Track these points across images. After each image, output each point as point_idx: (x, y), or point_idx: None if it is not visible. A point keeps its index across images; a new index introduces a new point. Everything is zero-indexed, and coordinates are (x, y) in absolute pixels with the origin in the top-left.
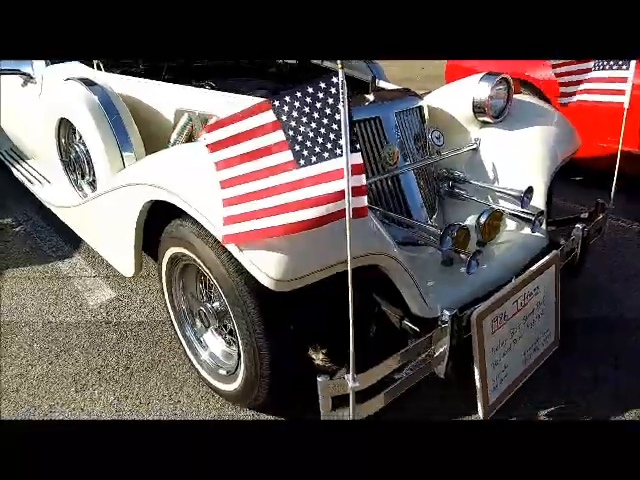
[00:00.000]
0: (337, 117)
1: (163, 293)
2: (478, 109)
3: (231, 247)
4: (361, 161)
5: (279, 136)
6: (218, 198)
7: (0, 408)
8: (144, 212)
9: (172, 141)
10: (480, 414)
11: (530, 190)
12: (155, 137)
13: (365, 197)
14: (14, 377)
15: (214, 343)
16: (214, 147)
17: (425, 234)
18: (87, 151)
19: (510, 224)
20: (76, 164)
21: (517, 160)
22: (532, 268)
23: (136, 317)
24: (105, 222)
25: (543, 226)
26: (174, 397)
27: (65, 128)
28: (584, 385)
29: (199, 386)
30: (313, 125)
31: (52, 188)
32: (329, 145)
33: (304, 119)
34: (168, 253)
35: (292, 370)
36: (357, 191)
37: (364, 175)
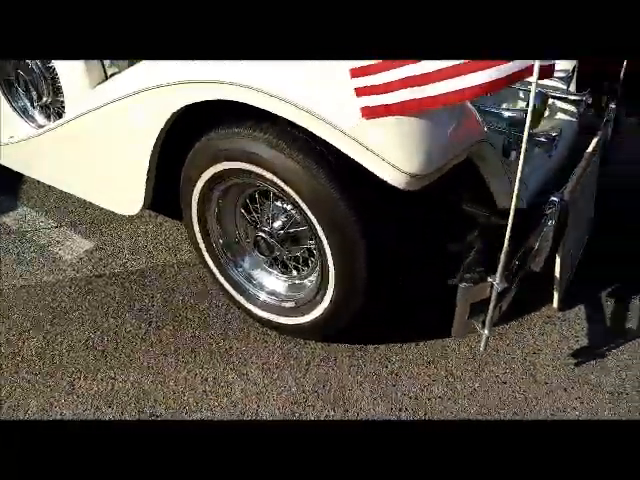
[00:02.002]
0: None
1: (191, 228)
2: None
3: (346, 143)
4: None
5: None
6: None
7: (3, 406)
8: (169, 123)
9: None
10: (555, 305)
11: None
12: None
13: None
14: (8, 357)
15: (271, 278)
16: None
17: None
18: (44, 64)
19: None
20: (23, 85)
21: None
22: (588, 150)
23: (134, 265)
24: (94, 149)
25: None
26: (223, 344)
27: None
28: None
29: (247, 326)
30: None
31: None
32: None
33: None
34: (205, 175)
35: (389, 284)
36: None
37: None
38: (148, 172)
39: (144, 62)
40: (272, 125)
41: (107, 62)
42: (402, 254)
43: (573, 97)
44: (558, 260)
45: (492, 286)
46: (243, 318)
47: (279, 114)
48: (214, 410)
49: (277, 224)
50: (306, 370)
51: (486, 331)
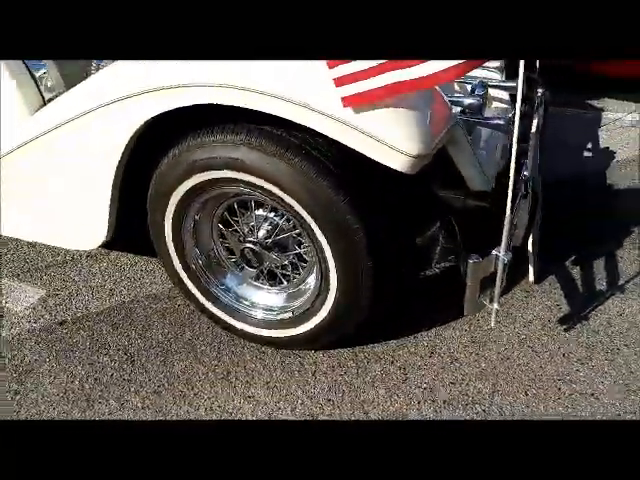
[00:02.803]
0: None
1: (166, 253)
2: None
3: (343, 132)
4: None
5: None
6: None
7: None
8: (133, 139)
9: None
10: (532, 278)
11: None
12: None
13: None
14: None
15: (263, 293)
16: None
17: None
18: None
19: None
20: None
21: None
22: (532, 131)
23: (97, 306)
24: (43, 180)
25: None
26: (220, 371)
27: None
28: None
29: (240, 348)
30: None
31: None
32: None
33: None
34: (181, 188)
35: (393, 280)
36: None
37: None
38: (111, 197)
39: (94, 77)
40: (250, 128)
41: (42, 87)
42: (401, 246)
43: (507, 84)
44: (531, 235)
45: (497, 258)
46: (233, 341)
47: (265, 111)
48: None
49: (262, 233)
50: (314, 380)
51: (495, 305)
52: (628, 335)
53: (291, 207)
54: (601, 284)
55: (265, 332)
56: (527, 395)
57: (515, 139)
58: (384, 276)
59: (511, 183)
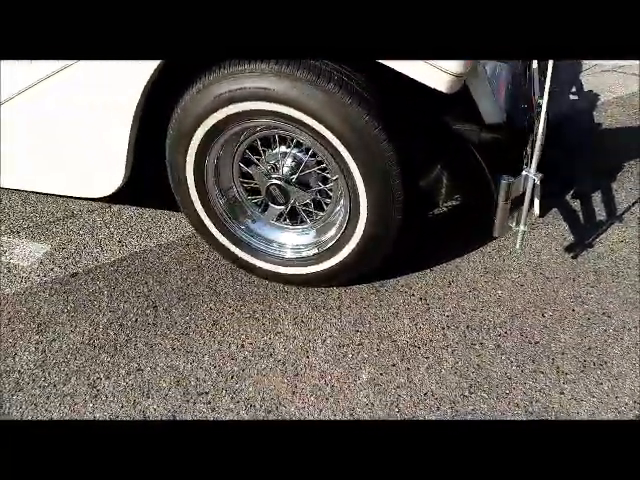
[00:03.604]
0: None
1: (186, 195)
2: None
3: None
4: None
5: None
6: None
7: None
8: (157, 71)
9: None
10: (537, 212)
11: None
12: None
13: None
14: (1, 377)
15: (291, 231)
16: None
17: None
18: None
19: None
20: None
21: None
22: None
23: (108, 257)
24: (54, 121)
25: None
26: (245, 310)
27: None
28: None
29: (263, 288)
30: None
31: None
32: None
33: None
34: (208, 122)
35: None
36: None
37: None
38: (129, 135)
39: None
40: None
41: None
42: (429, 176)
43: None
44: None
45: (526, 179)
46: (254, 281)
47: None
48: (263, 372)
49: (286, 169)
50: (340, 314)
51: (522, 227)
52: (630, 260)
53: (322, 137)
54: (601, 215)
55: (288, 270)
56: (544, 317)
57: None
58: (412, 206)
59: (545, 104)
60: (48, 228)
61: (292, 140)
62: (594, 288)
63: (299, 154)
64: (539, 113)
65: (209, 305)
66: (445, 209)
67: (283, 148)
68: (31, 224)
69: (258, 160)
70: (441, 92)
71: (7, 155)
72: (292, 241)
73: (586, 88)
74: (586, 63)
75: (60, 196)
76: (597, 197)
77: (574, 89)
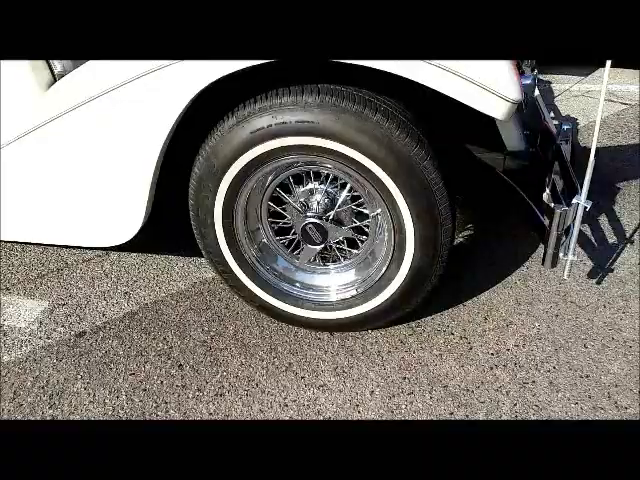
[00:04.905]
0: None
1: (214, 240)
2: None
3: (447, 81)
4: None
5: None
6: None
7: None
8: (187, 107)
9: None
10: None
11: None
12: None
13: None
14: None
15: (331, 272)
16: None
17: None
18: None
19: None
20: None
21: None
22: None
23: (116, 311)
24: (70, 161)
25: None
26: (280, 363)
27: None
28: None
29: (293, 338)
30: None
31: None
32: None
33: None
34: (242, 161)
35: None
36: None
37: None
38: (153, 175)
39: None
40: (320, 88)
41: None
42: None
43: None
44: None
45: (577, 207)
46: (282, 329)
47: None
48: None
49: (322, 206)
50: (382, 360)
51: (570, 256)
52: None
53: (368, 170)
54: (611, 237)
55: (321, 315)
56: (586, 348)
57: (603, 93)
58: (454, 238)
59: (596, 133)
60: (42, 282)
61: (328, 176)
62: (625, 314)
63: (332, 190)
64: (567, 141)
65: (239, 359)
66: (461, 238)
67: (316, 184)
68: (21, 278)
69: (289, 197)
70: (495, 118)
71: (8, 203)
72: (326, 282)
73: (563, 112)
74: (557, 89)
75: (53, 246)
76: (603, 219)
77: (552, 114)
